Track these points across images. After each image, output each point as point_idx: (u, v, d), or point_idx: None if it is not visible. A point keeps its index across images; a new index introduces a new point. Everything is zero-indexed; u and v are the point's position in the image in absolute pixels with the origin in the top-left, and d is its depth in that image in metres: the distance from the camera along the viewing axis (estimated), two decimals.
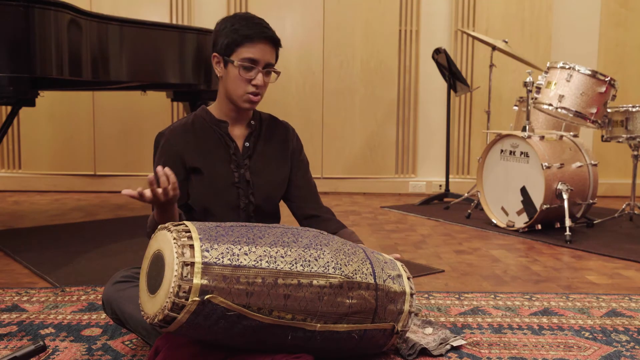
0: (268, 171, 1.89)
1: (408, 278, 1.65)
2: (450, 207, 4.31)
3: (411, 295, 1.63)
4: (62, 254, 2.86)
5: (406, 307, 1.61)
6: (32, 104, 2.91)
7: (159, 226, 1.45)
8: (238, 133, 1.88)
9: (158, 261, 1.40)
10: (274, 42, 1.81)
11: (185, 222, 1.44)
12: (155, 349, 1.51)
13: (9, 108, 3.38)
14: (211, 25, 2.03)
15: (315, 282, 1.44)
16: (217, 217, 1.81)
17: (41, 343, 1.48)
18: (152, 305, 1.38)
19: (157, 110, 4.92)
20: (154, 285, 1.39)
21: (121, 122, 4.95)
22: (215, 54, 1.82)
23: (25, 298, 2.20)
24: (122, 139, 4.97)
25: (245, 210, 1.85)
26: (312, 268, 1.45)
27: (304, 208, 1.96)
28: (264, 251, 1.42)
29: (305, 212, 1.96)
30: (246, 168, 1.85)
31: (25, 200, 4.53)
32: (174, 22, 4.88)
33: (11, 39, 2.52)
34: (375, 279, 1.55)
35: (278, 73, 1.84)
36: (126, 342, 1.77)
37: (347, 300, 1.49)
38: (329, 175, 5.08)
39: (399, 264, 1.69)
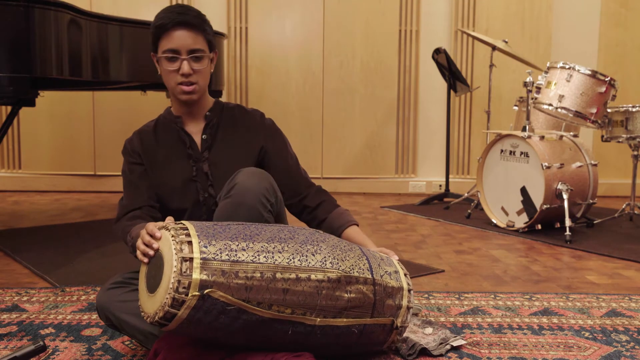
0: (230, 161, 1.81)
1: (405, 274, 1.66)
2: (450, 207, 4.31)
3: (409, 290, 1.63)
4: (62, 254, 2.86)
5: (404, 302, 1.61)
6: (32, 104, 2.91)
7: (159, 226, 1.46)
8: (194, 127, 1.85)
9: (156, 260, 1.40)
10: (192, 25, 1.74)
11: (183, 221, 1.45)
12: (154, 351, 1.51)
13: (9, 108, 3.38)
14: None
15: (313, 276, 1.45)
16: (176, 214, 1.73)
17: (41, 343, 1.48)
18: (152, 303, 1.38)
19: (157, 110, 4.84)
20: (153, 284, 1.39)
21: (121, 122, 4.95)
22: (152, 54, 1.81)
23: (25, 298, 2.20)
24: (122, 139, 4.89)
25: (206, 204, 1.79)
26: (309, 262, 1.46)
27: (291, 198, 1.87)
28: (262, 246, 1.42)
29: (293, 203, 1.88)
30: (204, 161, 1.81)
31: (25, 200, 4.53)
32: None
33: (11, 39, 2.52)
34: (372, 274, 1.56)
35: (209, 57, 1.78)
36: (126, 342, 1.77)
37: (346, 295, 1.49)
38: (329, 175, 5.08)
39: (395, 261, 1.69)
